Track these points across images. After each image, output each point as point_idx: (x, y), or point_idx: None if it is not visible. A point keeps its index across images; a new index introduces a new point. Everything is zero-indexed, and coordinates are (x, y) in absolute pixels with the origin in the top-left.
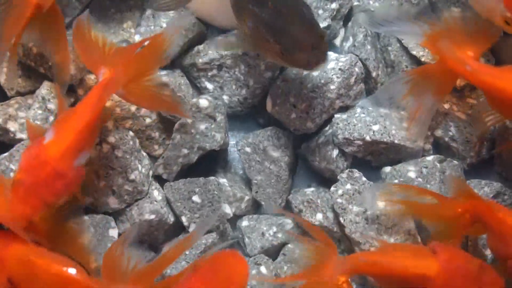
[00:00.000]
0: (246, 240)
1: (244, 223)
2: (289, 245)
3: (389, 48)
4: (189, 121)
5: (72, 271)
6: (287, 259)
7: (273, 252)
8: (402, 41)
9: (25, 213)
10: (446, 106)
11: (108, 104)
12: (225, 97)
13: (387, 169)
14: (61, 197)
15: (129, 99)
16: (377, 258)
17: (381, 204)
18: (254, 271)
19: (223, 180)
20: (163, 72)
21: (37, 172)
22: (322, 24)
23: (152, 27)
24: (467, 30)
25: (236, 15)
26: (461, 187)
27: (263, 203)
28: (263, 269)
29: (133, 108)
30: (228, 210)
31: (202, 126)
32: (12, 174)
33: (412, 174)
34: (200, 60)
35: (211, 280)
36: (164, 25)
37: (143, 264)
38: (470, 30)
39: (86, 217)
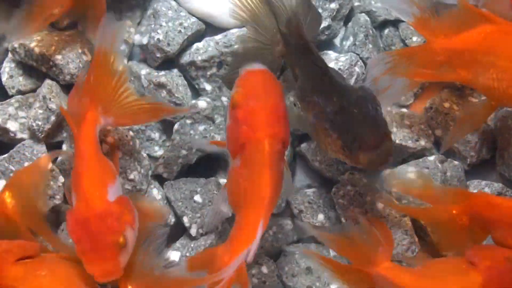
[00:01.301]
0: None
1: None
2: (290, 246)
3: (393, 48)
4: (188, 121)
5: None
6: (288, 260)
7: (274, 253)
8: (405, 41)
9: (115, 271)
10: (446, 105)
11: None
12: (224, 99)
13: (387, 170)
14: (124, 230)
15: (121, 123)
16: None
17: (380, 205)
18: (254, 271)
19: (223, 180)
20: (161, 73)
21: (90, 230)
22: (322, 24)
23: (153, 26)
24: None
25: (301, 103)
26: (456, 190)
27: None
28: (264, 269)
29: None
30: (227, 210)
31: (201, 128)
32: (12, 175)
33: (411, 176)
34: (200, 58)
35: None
36: (164, 24)
37: None
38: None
39: None
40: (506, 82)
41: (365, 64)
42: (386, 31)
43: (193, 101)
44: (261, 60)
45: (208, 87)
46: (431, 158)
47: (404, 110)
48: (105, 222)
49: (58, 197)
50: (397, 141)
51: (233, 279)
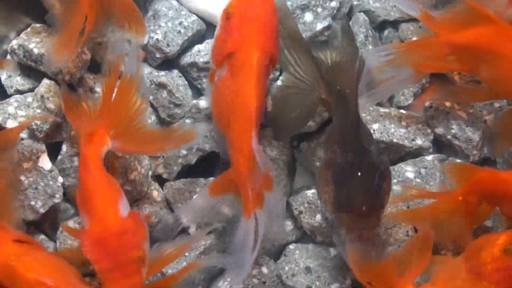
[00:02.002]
0: None
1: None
2: (290, 246)
3: None
4: (188, 121)
5: (48, 280)
6: (287, 260)
7: (274, 253)
8: (405, 42)
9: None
10: (448, 104)
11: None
12: None
13: None
14: (143, 244)
15: (126, 150)
16: None
17: None
18: (255, 271)
19: None
20: (161, 73)
21: (110, 249)
22: (322, 24)
23: (152, 27)
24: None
25: (323, 146)
26: (460, 169)
27: None
28: (264, 269)
29: None
30: (226, 210)
31: (202, 126)
32: None
33: (410, 175)
34: (201, 60)
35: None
36: (163, 24)
37: None
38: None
39: None
40: (506, 82)
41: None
42: (386, 32)
43: (194, 101)
44: (299, 104)
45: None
46: (429, 157)
47: (403, 111)
48: (124, 239)
49: (57, 195)
50: (394, 140)
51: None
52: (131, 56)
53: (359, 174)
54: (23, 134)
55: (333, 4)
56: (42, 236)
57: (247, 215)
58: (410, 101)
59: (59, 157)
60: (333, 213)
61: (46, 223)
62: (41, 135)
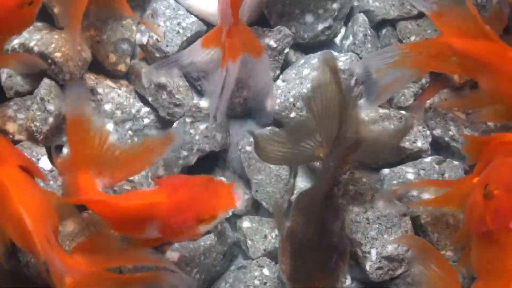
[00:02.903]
0: (249, 242)
1: (246, 224)
2: None
3: None
4: (188, 120)
5: (28, 221)
6: None
7: (276, 255)
8: (403, 41)
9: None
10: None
11: (108, 106)
12: None
13: (386, 170)
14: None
15: (118, 178)
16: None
17: (381, 204)
18: (256, 273)
19: (221, 179)
20: (161, 73)
21: None
22: (323, 24)
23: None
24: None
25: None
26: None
27: (263, 203)
28: (266, 271)
29: (134, 110)
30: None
31: (202, 126)
32: None
33: (410, 176)
34: None
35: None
36: (162, 24)
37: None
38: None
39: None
40: (499, 96)
41: None
42: (384, 30)
43: (194, 101)
44: (296, 155)
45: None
46: (427, 159)
47: (403, 112)
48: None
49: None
50: None
51: None
52: (72, 97)
53: (317, 253)
54: (22, 136)
55: (334, 6)
56: None
57: (221, 65)
58: (410, 102)
59: (59, 160)
60: (288, 285)
61: None
62: (41, 137)
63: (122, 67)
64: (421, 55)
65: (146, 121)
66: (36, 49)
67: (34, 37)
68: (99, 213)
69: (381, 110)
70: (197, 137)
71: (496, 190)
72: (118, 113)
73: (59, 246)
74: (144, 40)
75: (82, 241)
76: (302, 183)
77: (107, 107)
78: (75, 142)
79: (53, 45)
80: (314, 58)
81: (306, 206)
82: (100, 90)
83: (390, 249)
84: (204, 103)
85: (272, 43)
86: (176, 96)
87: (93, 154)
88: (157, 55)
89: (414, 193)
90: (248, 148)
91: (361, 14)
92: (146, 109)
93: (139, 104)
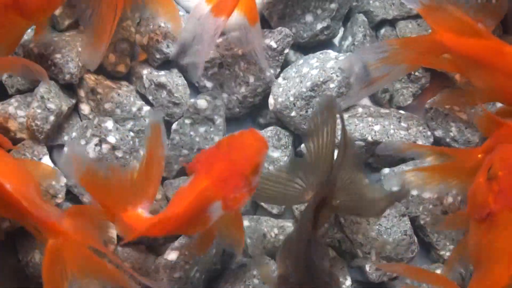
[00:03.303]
0: (248, 241)
1: (245, 223)
2: None
3: None
4: (187, 121)
5: (8, 185)
6: None
7: (275, 253)
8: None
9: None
10: (447, 106)
11: (107, 105)
12: (224, 95)
13: (386, 170)
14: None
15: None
16: None
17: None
18: (256, 272)
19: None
20: (161, 73)
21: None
22: (322, 24)
23: (151, 27)
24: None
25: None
26: (488, 120)
27: (262, 203)
28: None
29: (134, 108)
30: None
31: (202, 129)
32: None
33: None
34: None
35: (228, 153)
36: (163, 25)
37: None
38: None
39: None
40: (493, 94)
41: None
42: (383, 30)
43: (192, 100)
44: (285, 196)
45: (209, 84)
46: (429, 159)
47: (402, 112)
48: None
49: (60, 196)
50: None
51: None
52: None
53: None
54: (24, 135)
55: (333, 6)
56: None
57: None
58: (409, 102)
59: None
60: None
61: None
62: (42, 136)
63: (122, 68)
64: (412, 52)
65: (148, 120)
66: (35, 50)
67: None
68: (167, 231)
69: (382, 110)
70: (197, 139)
71: (501, 172)
72: (118, 111)
73: (46, 202)
74: (145, 40)
75: (75, 207)
76: None
77: (107, 106)
78: (100, 192)
79: (52, 47)
80: (313, 58)
81: (292, 251)
82: (99, 90)
83: (389, 249)
84: (202, 102)
85: (273, 43)
86: (175, 95)
87: (120, 194)
88: (157, 56)
89: (414, 192)
90: None
91: (361, 14)
92: (147, 108)
93: (140, 103)
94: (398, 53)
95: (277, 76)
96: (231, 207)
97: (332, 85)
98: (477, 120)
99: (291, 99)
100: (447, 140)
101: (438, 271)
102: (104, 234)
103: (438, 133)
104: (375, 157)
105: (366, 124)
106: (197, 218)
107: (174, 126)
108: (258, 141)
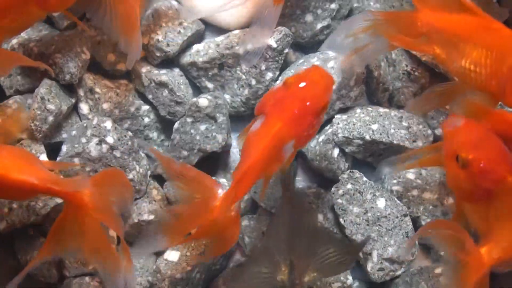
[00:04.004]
0: (246, 239)
1: (244, 222)
2: None
3: None
4: (189, 120)
5: (13, 173)
6: None
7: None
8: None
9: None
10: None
11: (106, 105)
12: (227, 96)
13: (386, 170)
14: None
15: None
16: None
17: (381, 203)
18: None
19: (222, 180)
20: (162, 71)
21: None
22: (322, 24)
23: (152, 26)
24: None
25: None
26: (477, 108)
27: (261, 203)
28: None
29: (132, 108)
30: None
31: (202, 127)
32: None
33: (411, 176)
34: (200, 59)
35: (298, 92)
36: (163, 24)
37: None
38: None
39: None
40: (476, 72)
41: None
42: None
43: (194, 99)
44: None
45: (210, 85)
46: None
47: (402, 111)
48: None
49: None
50: (395, 142)
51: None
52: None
53: None
54: (23, 135)
55: (333, 6)
56: (43, 239)
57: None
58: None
59: (58, 158)
60: None
61: (47, 225)
62: (40, 135)
63: (122, 66)
64: (393, 26)
65: (146, 120)
66: (35, 50)
67: (33, 37)
68: (253, 182)
69: (381, 109)
70: (197, 137)
71: (470, 155)
72: (116, 111)
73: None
74: (145, 40)
75: (102, 172)
76: (301, 183)
77: (105, 106)
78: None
79: (53, 47)
80: (314, 57)
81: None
82: (97, 90)
83: (390, 251)
84: (203, 101)
85: (273, 43)
86: (177, 94)
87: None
88: (158, 54)
89: (414, 192)
90: None
91: None
92: (146, 107)
93: (138, 102)
94: (380, 24)
95: (276, 79)
96: (303, 144)
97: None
98: (464, 110)
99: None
100: None
101: (438, 271)
102: (128, 199)
103: (438, 131)
104: (374, 157)
105: (363, 124)
106: (273, 160)
107: (176, 125)
108: (325, 78)
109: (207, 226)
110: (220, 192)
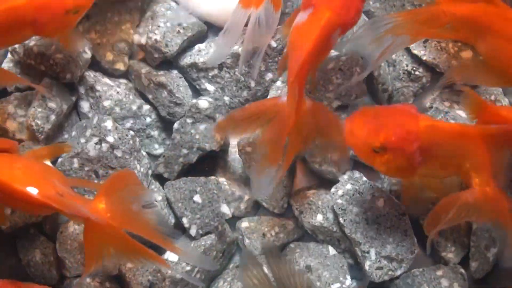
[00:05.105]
0: (246, 241)
1: (244, 224)
2: (291, 245)
3: None
4: (189, 120)
5: (32, 190)
6: (288, 259)
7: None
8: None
9: None
10: (447, 103)
11: (107, 103)
12: (226, 98)
13: None
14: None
15: None
16: None
17: (380, 203)
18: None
19: (222, 179)
20: (160, 72)
21: None
22: None
23: (150, 27)
24: None
25: None
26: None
27: (264, 203)
28: (264, 269)
29: (134, 107)
30: (226, 210)
31: (202, 127)
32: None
33: None
34: (201, 60)
35: None
36: (162, 25)
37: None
38: None
39: None
40: (499, 58)
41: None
42: None
43: (194, 100)
44: None
45: (210, 87)
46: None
47: None
48: None
49: None
50: None
51: None
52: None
53: None
54: (23, 136)
55: None
56: (43, 238)
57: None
58: (410, 102)
59: (59, 159)
60: None
61: (47, 225)
62: (42, 136)
63: (120, 66)
64: (415, 24)
65: (148, 119)
66: (35, 49)
67: (33, 37)
68: (308, 72)
69: None
70: (197, 136)
71: (379, 143)
72: (117, 109)
73: (75, 194)
74: (143, 40)
75: (110, 178)
76: (301, 183)
77: (106, 103)
78: None
79: (53, 47)
80: None
81: None
82: (98, 88)
83: (389, 248)
84: (203, 103)
85: (272, 42)
86: (177, 95)
87: None
88: (156, 55)
89: None
90: (248, 149)
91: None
92: (147, 107)
93: (139, 101)
94: (401, 25)
95: (275, 79)
96: (347, 31)
97: (331, 87)
98: (466, 103)
99: None
100: None
101: (440, 273)
102: (142, 197)
103: None
104: None
105: None
106: (324, 49)
107: (176, 125)
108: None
109: (292, 125)
110: (284, 98)
